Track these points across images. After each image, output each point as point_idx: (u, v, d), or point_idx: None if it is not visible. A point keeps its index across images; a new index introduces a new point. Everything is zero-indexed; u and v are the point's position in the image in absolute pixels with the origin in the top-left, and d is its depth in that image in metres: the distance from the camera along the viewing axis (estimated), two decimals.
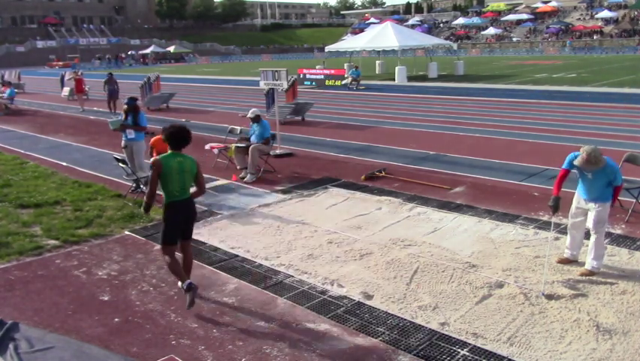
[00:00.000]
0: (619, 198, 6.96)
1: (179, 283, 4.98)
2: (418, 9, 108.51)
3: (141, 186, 8.59)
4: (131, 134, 8.77)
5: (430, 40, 38.67)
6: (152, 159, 5.02)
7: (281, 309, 4.88)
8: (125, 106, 8.86)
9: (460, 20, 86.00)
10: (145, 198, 5.03)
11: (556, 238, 6.27)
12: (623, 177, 5.43)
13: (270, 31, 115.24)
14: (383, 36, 33.39)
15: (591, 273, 5.33)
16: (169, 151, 4.91)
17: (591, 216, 5.36)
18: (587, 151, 5.09)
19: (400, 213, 7.43)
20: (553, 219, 5.89)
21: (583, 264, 5.49)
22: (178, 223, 4.93)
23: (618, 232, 6.50)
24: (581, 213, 5.49)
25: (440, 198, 8.02)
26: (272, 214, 7.58)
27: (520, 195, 8.16)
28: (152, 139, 8.65)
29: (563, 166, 5.43)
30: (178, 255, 5.03)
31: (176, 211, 4.88)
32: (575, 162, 5.22)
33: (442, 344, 4.21)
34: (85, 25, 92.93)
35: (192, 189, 5.04)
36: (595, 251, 5.33)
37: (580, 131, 13.10)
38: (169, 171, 4.78)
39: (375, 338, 4.34)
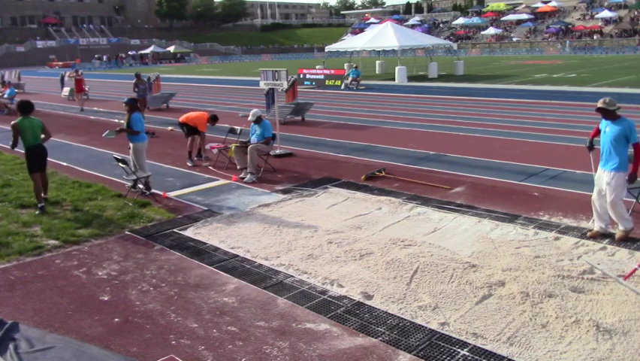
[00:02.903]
0: None
1: (37, 204, 7.75)
2: (418, 9, 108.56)
3: (139, 185, 8.59)
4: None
5: (430, 40, 38.65)
6: (11, 123, 7.81)
7: (281, 309, 4.88)
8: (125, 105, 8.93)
9: (460, 20, 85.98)
10: (9, 147, 7.89)
11: (557, 238, 6.27)
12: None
13: (270, 31, 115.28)
14: (383, 36, 33.37)
15: (626, 233, 5.94)
16: (20, 117, 7.68)
17: (607, 185, 5.94)
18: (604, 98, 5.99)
19: (400, 213, 7.43)
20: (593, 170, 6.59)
21: (614, 236, 6.11)
22: (34, 160, 7.75)
23: None
24: (601, 184, 6.09)
25: (440, 198, 8.02)
26: (272, 214, 7.57)
27: (520, 195, 8.16)
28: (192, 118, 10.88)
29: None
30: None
31: (32, 152, 7.76)
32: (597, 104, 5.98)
33: (442, 344, 4.21)
34: (85, 25, 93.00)
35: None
36: (617, 216, 6.01)
37: (580, 131, 13.08)
38: (24, 128, 7.67)
39: (375, 338, 4.34)
